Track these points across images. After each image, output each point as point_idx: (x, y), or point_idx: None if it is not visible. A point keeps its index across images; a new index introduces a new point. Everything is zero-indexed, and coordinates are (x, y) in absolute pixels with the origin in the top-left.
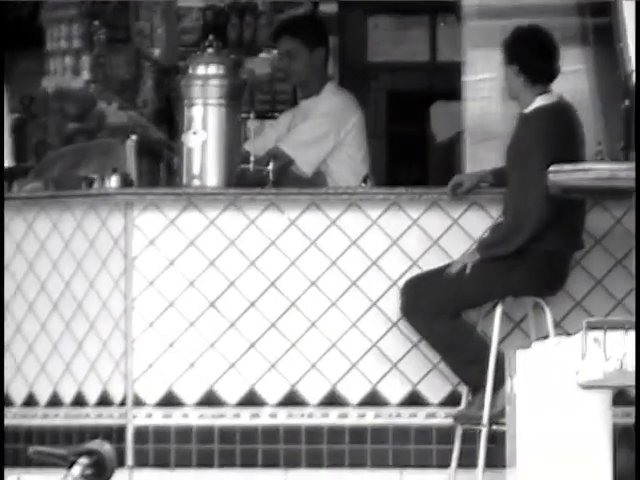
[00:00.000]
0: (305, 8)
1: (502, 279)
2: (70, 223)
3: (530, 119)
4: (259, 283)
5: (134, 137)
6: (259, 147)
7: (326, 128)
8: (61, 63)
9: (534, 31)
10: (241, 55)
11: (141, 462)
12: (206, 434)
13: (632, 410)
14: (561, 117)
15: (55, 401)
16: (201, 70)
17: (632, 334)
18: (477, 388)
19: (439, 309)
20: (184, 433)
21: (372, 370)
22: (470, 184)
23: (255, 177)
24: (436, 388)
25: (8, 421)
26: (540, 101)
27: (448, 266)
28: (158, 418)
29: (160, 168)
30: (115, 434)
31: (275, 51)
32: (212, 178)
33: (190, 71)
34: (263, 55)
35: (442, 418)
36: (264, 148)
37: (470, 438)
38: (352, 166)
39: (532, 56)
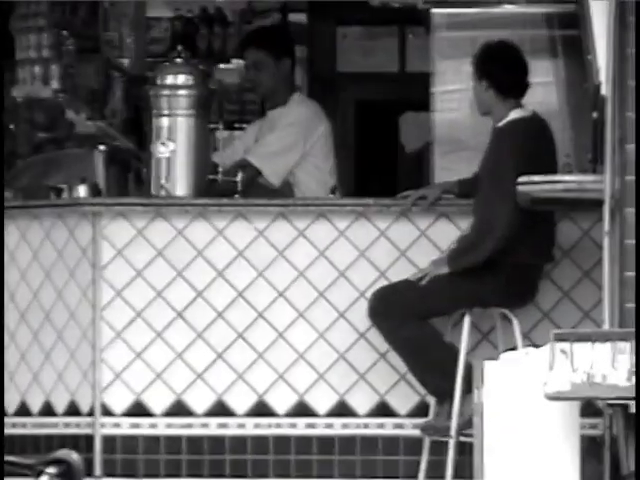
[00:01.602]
0: (274, 18)
1: (471, 289)
2: (38, 233)
3: (504, 132)
4: (227, 294)
5: (103, 147)
6: (227, 158)
7: (293, 138)
8: (30, 72)
9: (502, 47)
10: (210, 65)
11: (109, 472)
12: (174, 444)
13: (599, 421)
14: (534, 131)
15: (23, 411)
16: (170, 80)
17: (599, 346)
18: (443, 398)
19: (406, 313)
20: (152, 443)
21: (340, 381)
22: (433, 197)
23: (223, 188)
24: (404, 399)
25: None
26: (514, 115)
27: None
28: (126, 428)
29: (128, 178)
30: (83, 443)
31: (241, 61)
32: (180, 188)
33: (159, 81)
34: (232, 65)
35: (410, 429)
36: (232, 159)
37: (438, 449)
38: (319, 177)
39: (502, 72)
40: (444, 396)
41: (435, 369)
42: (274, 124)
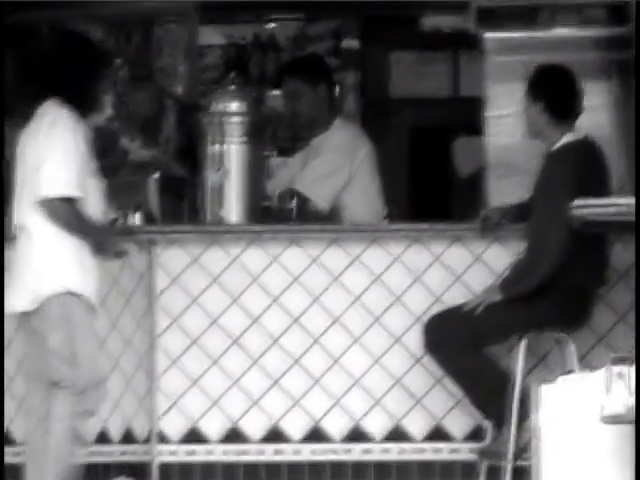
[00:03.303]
0: (327, 44)
1: (525, 314)
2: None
3: (557, 157)
4: (282, 320)
5: (157, 174)
6: (273, 187)
7: (338, 162)
8: None
9: (557, 69)
10: (263, 92)
11: None
12: (231, 471)
13: None
14: (588, 155)
15: None
16: (223, 107)
17: None
18: (501, 423)
19: (462, 344)
20: (209, 469)
21: (396, 406)
22: (499, 217)
23: (277, 214)
24: (460, 423)
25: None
26: (566, 139)
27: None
28: (182, 455)
29: (183, 205)
30: (140, 471)
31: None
32: (235, 215)
33: (212, 108)
34: None
35: (466, 453)
36: (278, 187)
37: (495, 474)
38: (366, 199)
39: (557, 94)
40: (502, 421)
41: (492, 396)
42: (318, 150)
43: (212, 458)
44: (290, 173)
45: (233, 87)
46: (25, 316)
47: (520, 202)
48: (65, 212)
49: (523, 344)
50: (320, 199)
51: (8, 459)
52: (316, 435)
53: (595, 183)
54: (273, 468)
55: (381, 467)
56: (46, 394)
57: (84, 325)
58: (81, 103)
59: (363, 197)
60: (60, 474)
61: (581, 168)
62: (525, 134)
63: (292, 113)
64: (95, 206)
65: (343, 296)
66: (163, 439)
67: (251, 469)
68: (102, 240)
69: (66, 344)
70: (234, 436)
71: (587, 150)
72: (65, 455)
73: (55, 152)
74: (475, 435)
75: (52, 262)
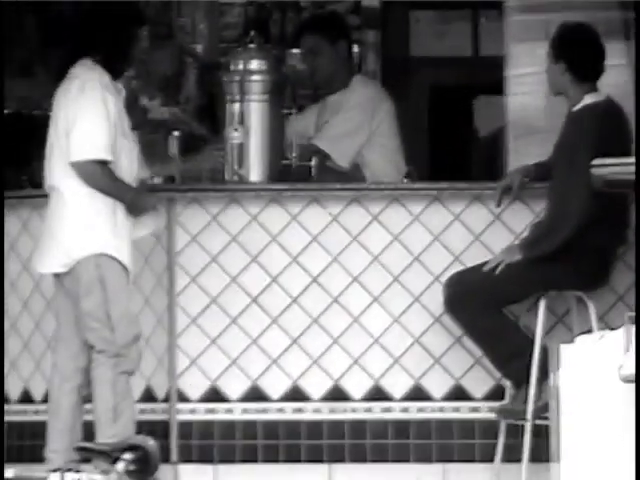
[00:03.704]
0: (347, 2)
1: (545, 274)
2: None
3: (579, 117)
4: (301, 279)
5: (177, 133)
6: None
7: (359, 119)
8: None
9: (582, 28)
10: (283, 50)
11: (185, 458)
12: (250, 429)
13: None
14: (610, 116)
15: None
16: (243, 66)
17: None
18: (520, 382)
19: (483, 304)
20: (228, 428)
21: (415, 365)
22: (518, 183)
23: (297, 172)
24: (479, 382)
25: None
26: (589, 99)
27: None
28: (202, 413)
29: (202, 164)
30: (159, 429)
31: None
32: (254, 174)
33: (232, 67)
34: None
35: (485, 412)
36: (290, 143)
37: (514, 432)
38: (387, 155)
39: (580, 54)
40: (521, 380)
41: (513, 356)
42: (338, 107)
43: (232, 417)
44: (303, 127)
45: (253, 46)
46: (58, 277)
47: (540, 162)
48: (97, 174)
49: (543, 304)
50: (340, 157)
51: (29, 417)
52: (335, 394)
53: (617, 145)
54: (293, 427)
55: (400, 426)
56: (75, 353)
57: (118, 287)
58: (115, 62)
59: (384, 155)
60: (119, 434)
61: (603, 130)
62: (547, 93)
63: (311, 69)
64: (128, 166)
65: (362, 255)
66: (183, 398)
67: (271, 428)
68: (136, 200)
69: (101, 306)
70: (254, 395)
71: (609, 111)
72: (116, 413)
73: (84, 116)
74: (494, 394)
75: (85, 224)
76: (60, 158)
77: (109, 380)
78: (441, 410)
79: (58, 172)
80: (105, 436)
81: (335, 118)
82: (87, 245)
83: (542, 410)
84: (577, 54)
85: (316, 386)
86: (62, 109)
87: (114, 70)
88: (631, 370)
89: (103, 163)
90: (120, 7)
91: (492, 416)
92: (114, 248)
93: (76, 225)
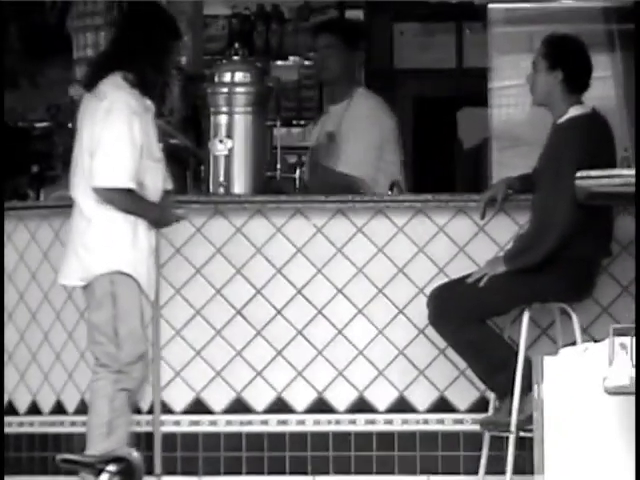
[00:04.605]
0: (331, 14)
1: (529, 286)
2: None
3: (564, 129)
4: (286, 291)
5: (161, 145)
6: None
7: (369, 134)
8: None
9: (573, 39)
10: (267, 62)
11: (169, 469)
12: (234, 441)
13: None
14: (595, 128)
15: (82, 409)
16: (227, 78)
17: None
18: (504, 394)
19: (466, 316)
20: (212, 440)
21: (399, 377)
22: (502, 195)
23: (281, 185)
24: (464, 395)
25: (35, 429)
26: (573, 111)
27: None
28: (186, 425)
29: (187, 176)
30: (143, 441)
31: (298, 58)
32: (239, 186)
33: (216, 79)
34: (289, 62)
35: (470, 424)
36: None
37: (498, 444)
38: (389, 172)
39: (577, 64)
40: (505, 392)
41: (497, 368)
42: (341, 118)
43: (216, 429)
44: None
45: (237, 58)
46: (76, 290)
47: (524, 173)
48: (120, 201)
49: (526, 315)
50: (366, 175)
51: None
52: (320, 406)
53: (602, 156)
54: (277, 438)
55: (385, 437)
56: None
57: (129, 305)
58: (149, 77)
59: (385, 169)
60: (109, 448)
61: (588, 142)
62: (531, 105)
63: (320, 67)
64: (153, 185)
65: (347, 267)
66: (167, 410)
67: (255, 439)
68: (160, 217)
69: (109, 322)
70: (238, 407)
71: (594, 123)
72: (110, 428)
73: (110, 141)
74: (479, 406)
75: (105, 242)
76: (82, 177)
77: (108, 395)
78: (425, 422)
79: (80, 189)
80: (96, 450)
81: (350, 139)
82: (105, 262)
83: (526, 422)
84: (574, 64)
85: (300, 398)
86: (87, 127)
87: (146, 85)
88: (615, 382)
89: (124, 190)
90: (156, 19)
91: (476, 428)
92: (131, 265)
93: (96, 242)
